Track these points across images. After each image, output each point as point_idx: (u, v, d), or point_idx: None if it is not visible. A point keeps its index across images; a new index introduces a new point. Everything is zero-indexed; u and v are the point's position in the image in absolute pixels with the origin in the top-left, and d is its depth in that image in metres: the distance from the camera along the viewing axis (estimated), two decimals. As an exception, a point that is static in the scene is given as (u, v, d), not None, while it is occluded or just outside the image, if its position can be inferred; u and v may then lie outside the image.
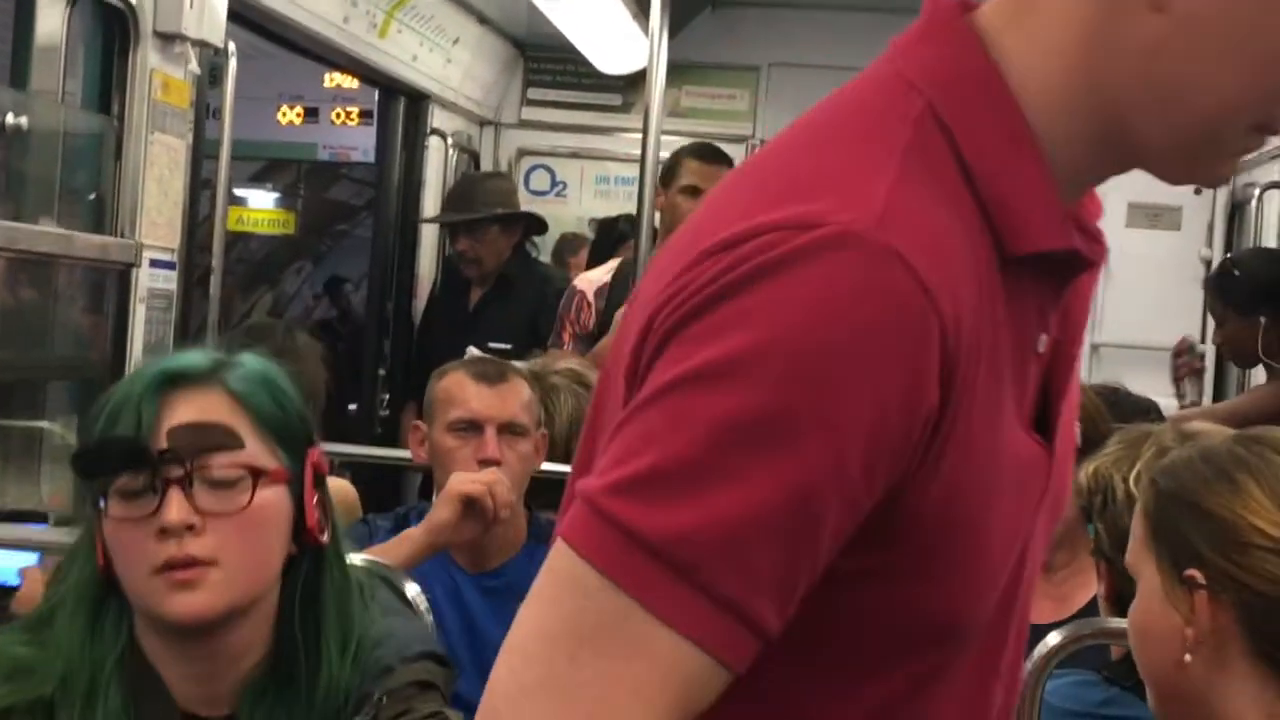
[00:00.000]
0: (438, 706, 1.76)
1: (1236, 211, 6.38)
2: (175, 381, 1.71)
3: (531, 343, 4.99)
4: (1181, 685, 1.59)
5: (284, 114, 9.27)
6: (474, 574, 2.92)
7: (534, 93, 6.99)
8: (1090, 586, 2.41)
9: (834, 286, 0.98)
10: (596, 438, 1.10)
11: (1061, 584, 2.73)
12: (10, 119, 3.63)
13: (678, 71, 5.80)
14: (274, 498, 1.72)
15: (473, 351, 3.87)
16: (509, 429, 2.88)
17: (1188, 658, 1.56)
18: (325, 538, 1.77)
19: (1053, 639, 2.08)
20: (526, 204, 6.09)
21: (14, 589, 2.44)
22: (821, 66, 6.45)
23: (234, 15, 4.01)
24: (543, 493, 3.02)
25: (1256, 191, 5.88)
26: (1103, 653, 2.16)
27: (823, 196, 1.01)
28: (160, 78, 3.72)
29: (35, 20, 3.58)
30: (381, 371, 6.17)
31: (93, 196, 3.78)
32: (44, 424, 3.92)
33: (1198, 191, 6.39)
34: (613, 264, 4.97)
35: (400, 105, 6.13)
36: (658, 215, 4.69)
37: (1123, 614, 1.71)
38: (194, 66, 3.84)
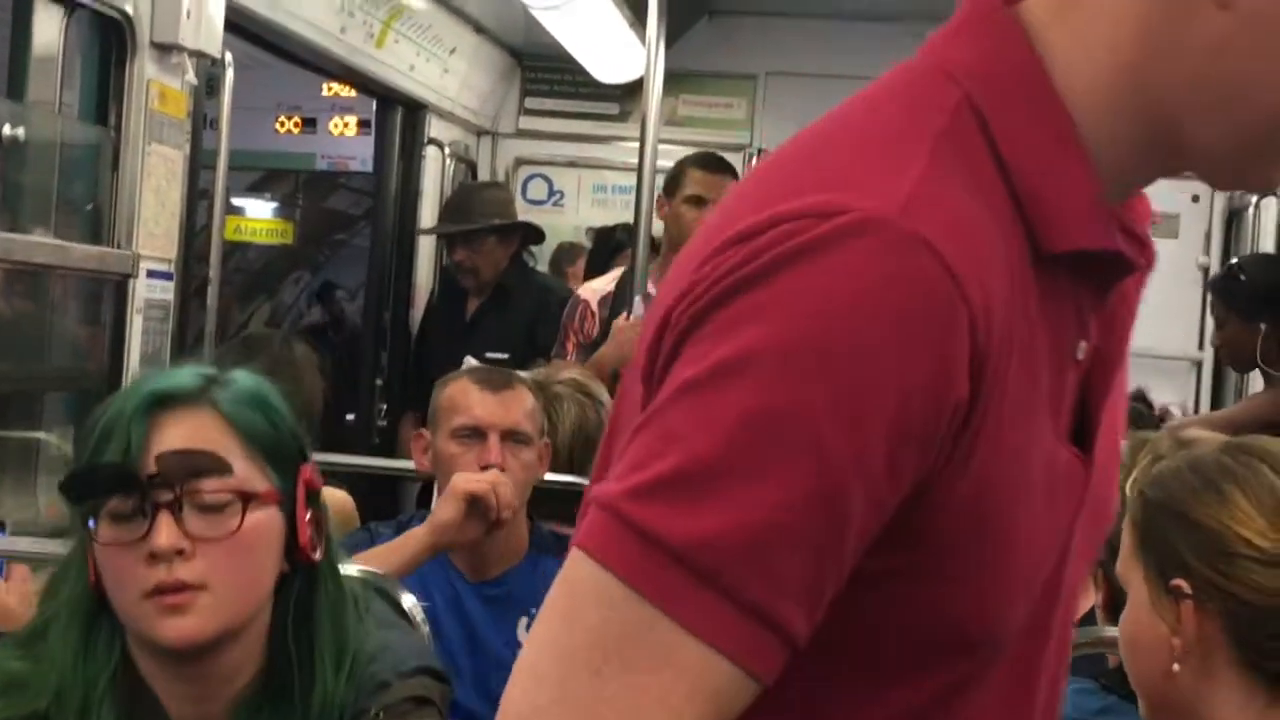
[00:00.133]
0: (435, 722, 1.75)
1: (1234, 219, 6.39)
2: (165, 403, 1.70)
3: (529, 352, 4.99)
4: (1170, 695, 1.59)
5: (282, 124, 9.26)
6: (475, 582, 2.93)
7: (531, 102, 6.99)
8: (1089, 596, 2.41)
9: (856, 275, 0.94)
10: (614, 444, 1.07)
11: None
12: (7, 130, 3.63)
13: (675, 80, 5.80)
14: (264, 519, 1.72)
15: (470, 362, 3.88)
16: (512, 436, 2.90)
17: (1175, 667, 1.57)
18: (318, 555, 1.77)
19: (1050, 648, 2.08)
20: (524, 213, 6.09)
21: None
22: (818, 75, 6.47)
23: (231, 26, 4.00)
24: (545, 503, 3.03)
25: (1253, 200, 5.89)
26: (1100, 661, 2.16)
27: (845, 185, 0.97)
28: (157, 88, 3.72)
29: (32, 31, 3.57)
30: (379, 381, 6.17)
31: (90, 207, 3.77)
32: (41, 435, 3.91)
33: (1195, 199, 6.41)
34: (616, 273, 4.98)
35: (398, 115, 6.13)
36: (661, 225, 4.71)
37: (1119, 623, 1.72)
38: (191, 77, 3.84)
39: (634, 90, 5.97)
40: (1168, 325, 6.07)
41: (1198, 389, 6.43)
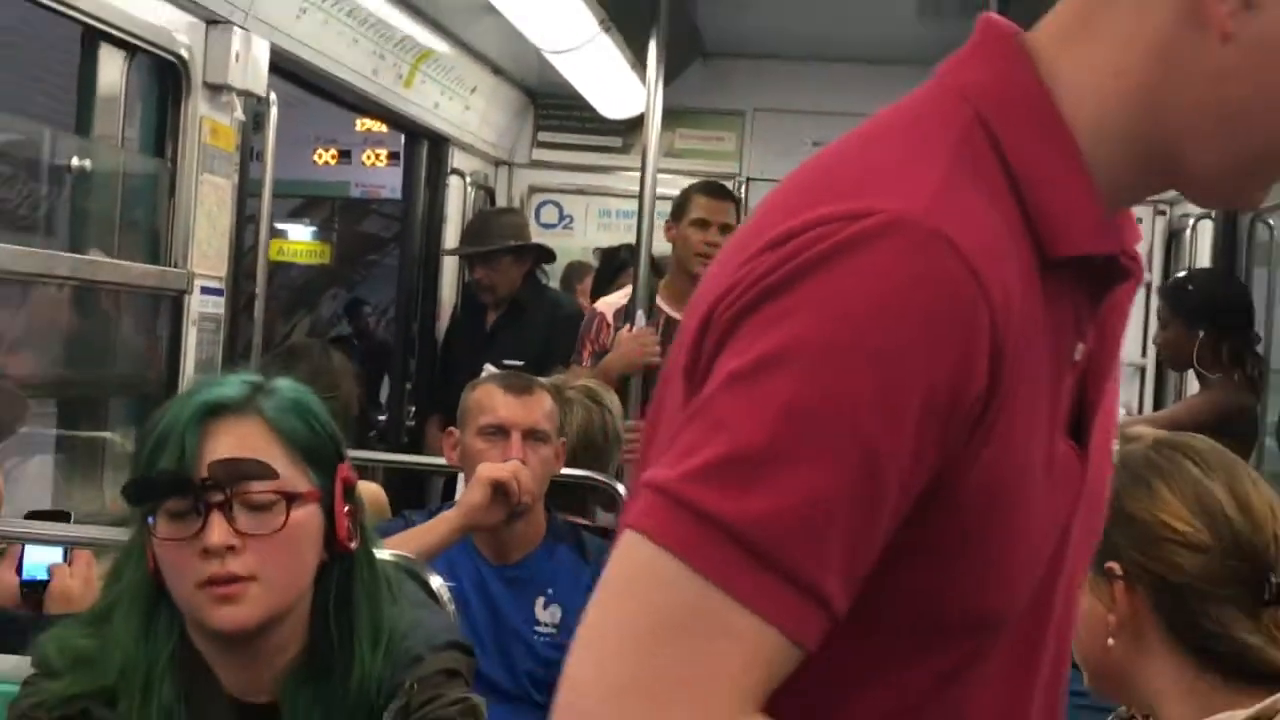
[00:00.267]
0: (464, 693, 1.75)
1: (1173, 239, 6.39)
2: (215, 412, 1.70)
3: (544, 360, 4.99)
4: (1108, 666, 1.61)
5: (320, 155, 9.28)
6: (497, 565, 2.96)
7: (544, 135, 6.99)
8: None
9: (885, 274, 0.93)
10: (651, 446, 1.05)
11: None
12: (75, 162, 3.65)
13: (672, 116, 5.80)
14: (306, 516, 1.72)
15: (489, 369, 3.88)
16: (532, 435, 2.94)
17: (1110, 641, 1.58)
18: (355, 544, 1.77)
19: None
20: (537, 236, 6.09)
21: (44, 583, 2.43)
22: (800, 111, 6.48)
23: (275, 68, 4.01)
24: (559, 494, 3.08)
25: (1190, 222, 5.89)
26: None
27: (873, 190, 0.96)
28: (209, 124, 3.73)
29: (97, 73, 3.58)
30: (408, 386, 6.18)
31: (149, 231, 3.79)
32: (107, 434, 3.92)
33: (1138, 221, 6.39)
34: (629, 289, 4.98)
35: (424, 148, 6.13)
36: (664, 245, 4.72)
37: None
38: (239, 114, 3.85)
39: (635, 125, 5.97)
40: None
41: (1141, 391, 6.43)
